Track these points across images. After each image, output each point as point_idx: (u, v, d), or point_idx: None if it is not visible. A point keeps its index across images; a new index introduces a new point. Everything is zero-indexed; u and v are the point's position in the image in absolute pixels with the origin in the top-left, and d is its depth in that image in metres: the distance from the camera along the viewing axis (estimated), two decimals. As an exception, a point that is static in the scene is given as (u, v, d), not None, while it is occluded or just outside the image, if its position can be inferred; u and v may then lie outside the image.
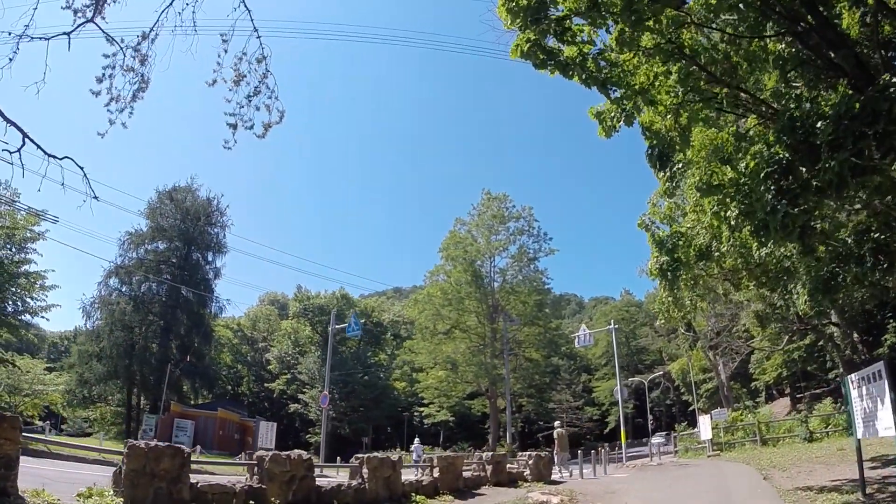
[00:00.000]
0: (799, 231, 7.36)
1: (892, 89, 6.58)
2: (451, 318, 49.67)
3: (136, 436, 40.22)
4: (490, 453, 19.50)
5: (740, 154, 9.10)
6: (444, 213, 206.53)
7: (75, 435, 56.09)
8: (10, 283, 31.04)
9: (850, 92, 7.05)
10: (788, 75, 10.03)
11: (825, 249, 10.30)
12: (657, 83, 9.21)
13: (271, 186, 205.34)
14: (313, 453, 48.16)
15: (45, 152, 8.11)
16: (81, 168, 8.40)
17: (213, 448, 41.63)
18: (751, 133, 9.91)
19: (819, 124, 6.74)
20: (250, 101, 8.48)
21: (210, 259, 59.34)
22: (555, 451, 22.31)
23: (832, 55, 8.78)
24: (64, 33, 7.87)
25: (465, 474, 16.19)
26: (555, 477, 20.11)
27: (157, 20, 7.99)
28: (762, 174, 7.47)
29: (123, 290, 54.07)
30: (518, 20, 8.14)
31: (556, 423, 25.09)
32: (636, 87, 9.14)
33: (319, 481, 11.37)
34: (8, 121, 7.80)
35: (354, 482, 11.77)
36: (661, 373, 65.83)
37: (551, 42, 8.79)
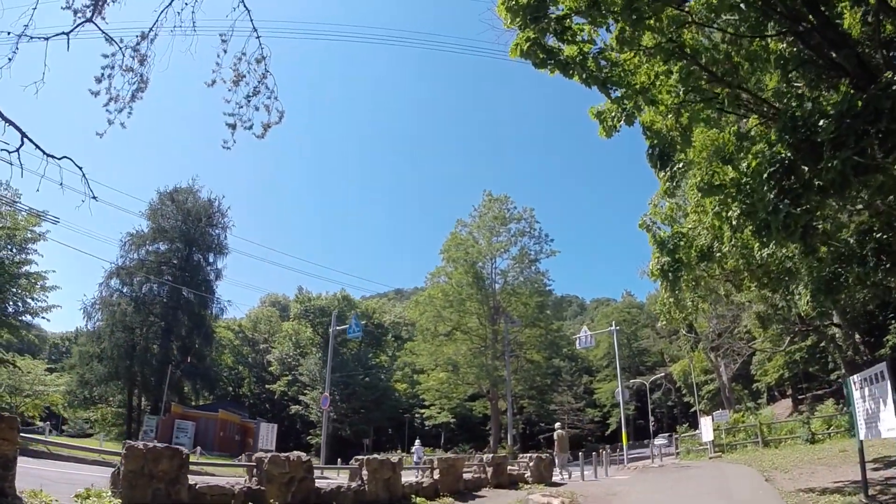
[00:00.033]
0: (801, 231, 7.31)
1: (894, 87, 6.54)
2: (453, 319, 49.60)
3: (137, 437, 40.22)
4: (490, 455, 19.45)
5: (742, 154, 9.06)
6: (445, 215, 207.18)
7: (76, 436, 56.06)
8: (11, 283, 31.02)
9: (852, 91, 7.01)
10: (790, 75, 10.00)
11: (827, 250, 10.26)
12: (658, 83, 9.18)
13: (272, 187, 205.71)
14: (314, 455, 48.26)
15: (44, 152, 8.09)
16: (80, 168, 8.38)
17: (213, 449, 41.57)
18: (752, 133, 9.86)
19: (821, 123, 6.69)
20: (249, 101, 8.46)
21: (211, 260, 59.37)
22: (555, 453, 22.23)
23: (833, 55, 8.74)
24: (63, 33, 7.85)
25: (466, 476, 16.14)
26: (555, 479, 20.06)
27: (157, 20, 7.97)
28: (764, 174, 7.42)
29: (124, 291, 54.09)
30: (518, 19, 8.10)
31: (557, 425, 25.02)
32: (637, 86, 9.11)
33: (319, 483, 11.34)
34: (7, 120, 7.77)
35: (354, 484, 11.74)
36: (663, 374, 65.75)
37: (551, 41, 8.76)
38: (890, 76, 6.68)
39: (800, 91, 8.68)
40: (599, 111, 10.24)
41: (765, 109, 9.96)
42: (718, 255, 11.88)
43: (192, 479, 8.75)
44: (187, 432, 42.59)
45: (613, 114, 9.97)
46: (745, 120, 11.45)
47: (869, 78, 8.00)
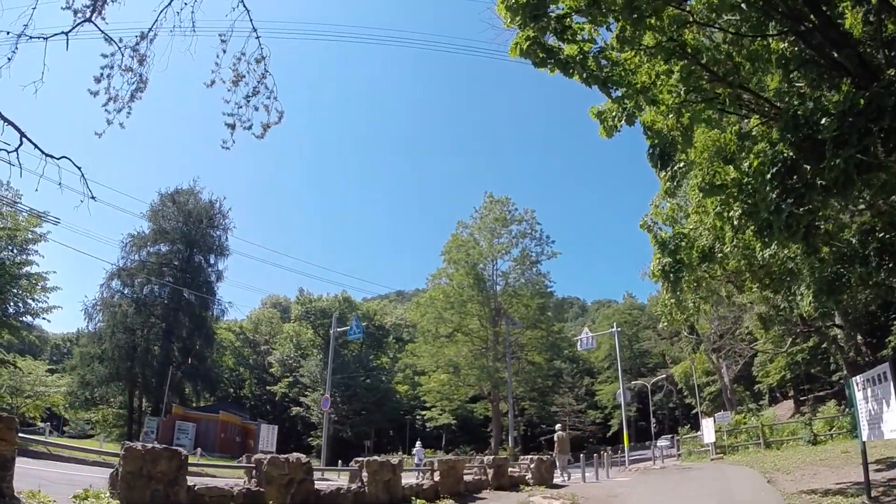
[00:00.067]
0: (803, 231, 7.27)
1: (898, 84, 6.51)
2: (454, 321, 49.58)
3: (138, 438, 40.22)
4: (491, 457, 19.39)
5: (743, 153, 9.02)
6: (446, 216, 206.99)
7: (77, 437, 56.13)
8: (12, 284, 31.05)
9: (855, 90, 6.97)
10: (791, 76, 9.96)
11: (829, 250, 10.21)
12: (659, 82, 9.14)
13: (272, 188, 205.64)
14: (315, 456, 48.23)
15: (43, 152, 8.08)
16: (79, 168, 8.36)
17: (214, 451, 41.57)
18: (754, 132, 9.82)
19: (823, 121, 6.65)
20: (249, 101, 8.44)
21: (212, 262, 59.47)
22: (555, 455, 22.15)
23: (835, 55, 8.70)
24: (62, 33, 7.84)
25: (466, 478, 16.08)
26: (556, 480, 20.00)
27: (156, 20, 7.96)
28: (766, 173, 7.38)
29: (125, 292, 54.14)
30: (517, 18, 8.06)
31: (557, 427, 24.95)
32: (637, 86, 9.07)
33: (319, 485, 11.31)
34: (6, 120, 7.76)
35: (354, 486, 11.70)
36: (664, 376, 65.66)
37: (551, 40, 8.72)
38: (893, 74, 6.65)
39: (801, 91, 8.64)
40: (600, 111, 10.21)
41: (766, 109, 9.93)
42: (720, 255, 11.85)
43: (191, 481, 8.72)
44: (188, 434, 42.62)
45: (614, 113, 9.93)
46: (746, 120, 11.41)
47: (870, 77, 7.96)
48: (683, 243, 12.49)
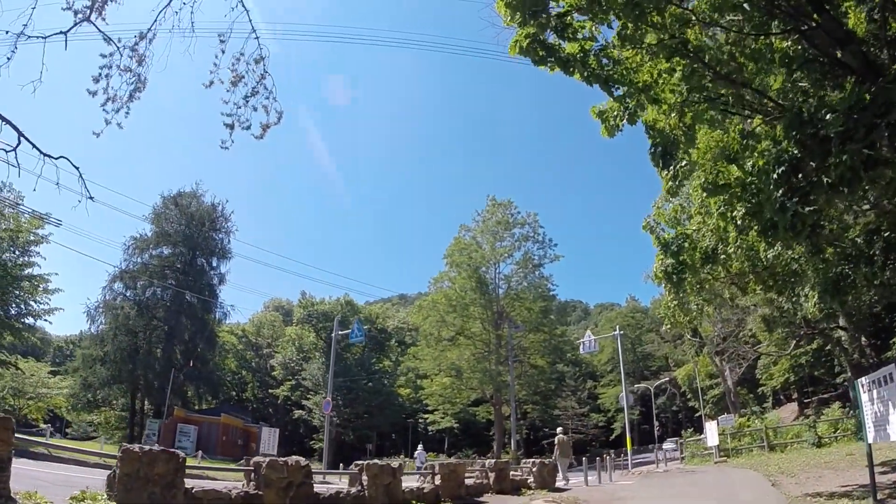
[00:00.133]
0: (808, 231, 7.18)
1: (904, 79, 6.43)
2: (456, 324, 49.49)
3: (139, 440, 40.19)
4: (493, 460, 19.29)
5: (747, 152, 8.94)
6: (449, 219, 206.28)
7: (80, 438, 56.25)
8: (14, 286, 31.09)
9: (858, 88, 6.89)
10: (794, 76, 9.88)
11: (833, 251, 10.13)
12: (660, 81, 9.06)
13: (274, 191, 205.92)
14: (317, 459, 48.17)
15: (41, 151, 8.06)
16: (77, 168, 8.35)
17: (216, 453, 41.56)
18: (757, 131, 9.73)
19: (828, 117, 6.57)
20: (247, 101, 8.43)
21: (214, 265, 59.55)
22: (555, 457, 22.03)
23: (838, 54, 8.63)
24: (60, 32, 7.81)
25: (468, 482, 15.97)
26: (559, 484, 19.89)
27: (155, 20, 7.93)
28: (771, 172, 7.29)
29: (128, 294, 54.24)
30: (517, 15, 7.99)
31: (559, 430, 24.85)
32: (639, 84, 9.00)
33: (319, 488, 11.23)
34: (4, 119, 7.74)
35: (354, 489, 11.62)
36: (667, 379, 65.45)
37: (551, 38, 8.65)
38: (899, 69, 6.57)
39: (805, 89, 8.56)
40: (601, 110, 10.13)
41: (770, 108, 9.84)
42: (723, 257, 11.77)
43: (189, 483, 8.65)
44: (190, 436, 42.60)
45: (616, 112, 9.85)
46: (749, 121, 11.34)
47: (875, 75, 7.88)
48: (686, 244, 12.40)
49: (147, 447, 7.97)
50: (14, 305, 32.20)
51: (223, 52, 8.13)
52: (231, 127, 8.44)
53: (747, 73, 10.14)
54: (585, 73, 8.74)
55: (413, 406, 71.04)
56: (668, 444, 48.02)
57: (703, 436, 36.69)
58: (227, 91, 8.34)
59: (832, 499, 10.81)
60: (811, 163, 6.98)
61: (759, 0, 8.75)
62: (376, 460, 13.68)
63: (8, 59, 7.56)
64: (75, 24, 7.89)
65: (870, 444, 9.60)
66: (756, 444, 29.43)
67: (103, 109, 8.25)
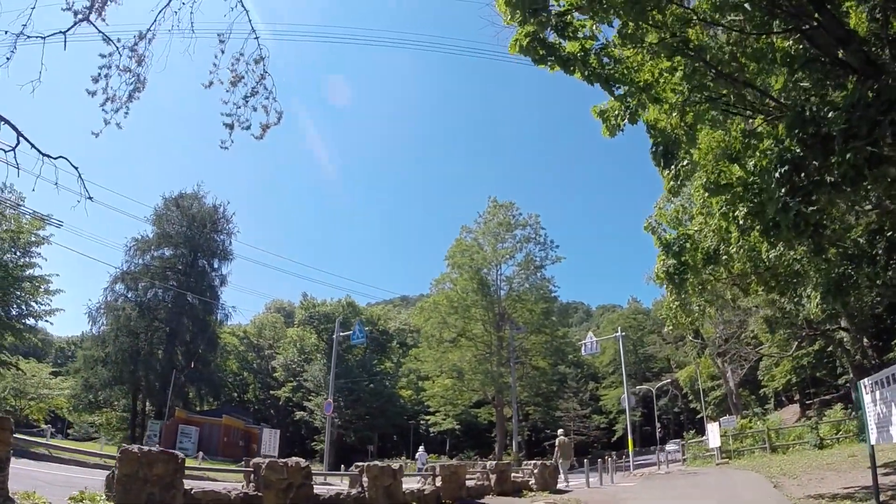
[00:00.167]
0: (811, 230, 7.14)
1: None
2: (458, 326, 49.45)
3: (141, 441, 40.19)
4: (494, 462, 19.25)
5: (749, 152, 8.90)
6: (451, 221, 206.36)
7: (81, 439, 56.25)
8: (15, 286, 31.11)
9: (861, 86, 6.85)
10: (796, 75, 9.84)
11: (836, 251, 10.09)
12: (662, 80, 9.02)
13: (275, 192, 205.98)
14: (318, 461, 48.12)
15: (40, 151, 8.05)
16: (76, 168, 8.34)
17: (217, 455, 41.53)
18: (759, 130, 9.69)
19: (831, 115, 6.53)
20: (247, 101, 8.42)
21: (216, 266, 59.59)
22: (556, 459, 21.96)
23: (840, 53, 8.60)
24: (60, 32, 7.80)
25: (469, 483, 15.93)
26: (560, 486, 19.84)
27: (155, 20, 7.92)
28: (773, 171, 7.25)
29: (129, 296, 54.28)
30: (517, 14, 7.96)
31: (560, 431, 24.79)
32: (640, 83, 8.96)
33: (319, 489, 11.20)
34: (3, 119, 7.73)
35: (354, 491, 11.59)
36: (669, 380, 65.39)
37: (552, 37, 8.61)
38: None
39: (807, 89, 8.52)
40: (602, 109, 10.09)
41: (771, 107, 9.80)
42: (725, 257, 11.73)
43: (188, 484, 8.63)
44: (191, 437, 42.60)
45: (617, 112, 9.81)
46: (750, 121, 11.30)
47: (876, 75, 7.84)
48: (688, 245, 12.37)
49: (146, 448, 7.94)
50: (15, 306, 32.20)
51: (223, 52, 8.13)
52: (231, 127, 8.44)
53: (749, 74, 10.11)
54: (586, 73, 8.70)
55: (414, 407, 70.97)
56: (670, 446, 47.98)
57: (704, 437, 36.63)
58: (227, 91, 8.34)
59: (834, 500, 10.76)
60: (814, 162, 6.94)
61: (761, 0, 8.71)
62: (377, 462, 13.65)
63: (7, 59, 7.56)
64: (74, 24, 7.88)
65: (872, 446, 9.55)
66: (758, 445, 29.38)
67: (102, 109, 8.25)
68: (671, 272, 12.63)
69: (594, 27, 8.80)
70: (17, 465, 12.50)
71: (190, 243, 56.13)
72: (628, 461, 33.50)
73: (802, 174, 7.10)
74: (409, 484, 14.36)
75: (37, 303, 33.07)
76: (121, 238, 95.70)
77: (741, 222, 8.54)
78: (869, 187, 7.76)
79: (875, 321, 31.23)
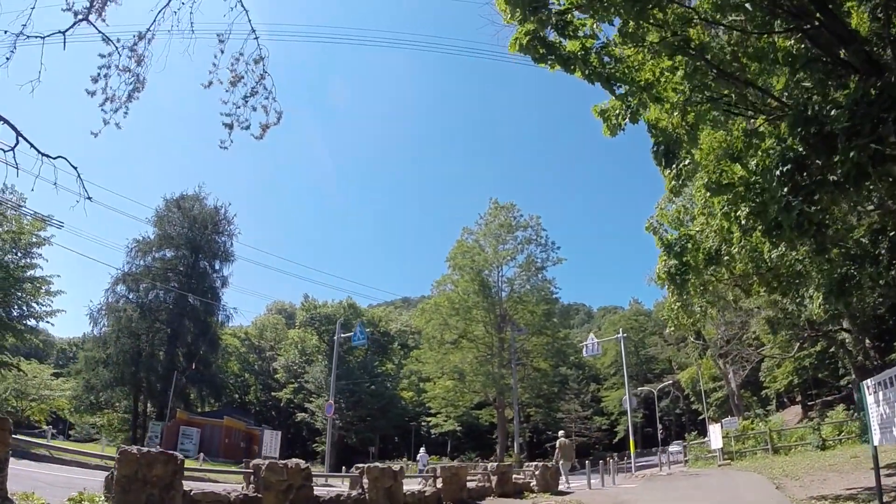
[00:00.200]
0: (814, 230, 7.10)
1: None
2: (459, 327, 49.45)
3: (142, 442, 40.22)
4: (495, 463, 19.20)
5: (751, 151, 8.86)
6: (452, 222, 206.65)
7: (83, 440, 56.29)
8: (16, 287, 31.11)
9: (864, 83, 6.81)
10: (798, 75, 9.81)
11: (838, 252, 10.05)
12: (663, 79, 8.98)
13: (277, 194, 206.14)
14: (320, 462, 48.07)
15: (39, 151, 8.04)
16: (75, 168, 8.33)
17: (218, 456, 41.54)
18: (761, 129, 9.65)
19: (833, 112, 6.48)
20: (247, 101, 8.41)
21: (217, 267, 59.69)
22: (557, 461, 21.90)
23: (841, 53, 8.56)
24: (59, 32, 7.79)
25: (470, 485, 15.89)
26: (561, 487, 19.79)
27: (154, 20, 7.91)
28: (774, 170, 7.21)
29: (131, 297, 54.36)
30: (517, 12, 7.93)
31: (561, 433, 24.73)
32: (641, 82, 8.92)
33: (320, 491, 11.16)
34: (2, 119, 7.71)
35: (354, 492, 11.54)
36: (671, 382, 65.29)
37: (552, 36, 8.57)
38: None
39: (809, 88, 8.49)
40: (603, 109, 10.04)
41: (773, 107, 9.77)
42: (727, 258, 11.68)
43: (188, 486, 8.60)
44: (192, 439, 42.60)
45: (618, 111, 9.77)
46: (752, 121, 11.26)
47: (878, 74, 7.80)
48: (690, 245, 12.32)
49: (145, 449, 7.92)
50: (16, 307, 32.19)
51: (222, 52, 8.12)
52: (230, 127, 8.43)
53: (750, 73, 10.08)
54: (587, 71, 8.66)
55: (416, 409, 70.90)
56: (673, 447, 47.92)
57: (706, 439, 36.56)
58: (227, 91, 8.32)
59: (837, 502, 10.72)
60: (816, 161, 6.89)
61: (762, 0, 8.68)
62: (377, 463, 13.61)
63: (7, 59, 7.55)
64: (74, 24, 7.87)
65: (875, 447, 9.49)
66: (760, 446, 29.34)
67: (102, 109, 8.24)
68: (673, 273, 12.58)
69: (595, 26, 8.75)
70: (17, 466, 12.49)
71: (191, 245, 56.20)
72: (630, 462, 33.45)
73: (805, 173, 7.06)
74: (410, 485, 14.31)
75: (38, 304, 33.07)
76: (121, 239, 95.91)
77: (743, 222, 8.50)
78: (871, 187, 7.72)
79: (877, 322, 31.17)
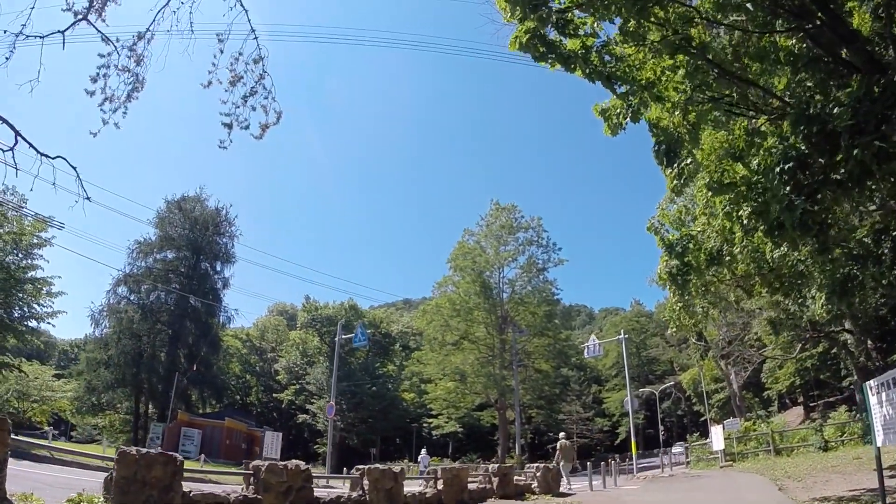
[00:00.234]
0: (817, 229, 7.05)
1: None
2: (460, 329, 49.38)
3: (144, 444, 40.23)
4: (496, 465, 19.14)
5: (753, 150, 8.81)
6: (454, 223, 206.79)
7: (85, 442, 56.35)
8: (17, 288, 31.11)
9: (867, 80, 6.76)
10: (799, 75, 9.77)
11: (840, 252, 10.00)
12: (664, 78, 8.94)
13: (278, 195, 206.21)
14: (321, 464, 48.03)
15: (38, 151, 8.02)
16: (74, 168, 8.31)
17: (220, 457, 41.53)
18: (763, 128, 9.61)
19: (836, 110, 6.43)
20: (246, 101, 8.40)
21: (218, 269, 59.75)
22: (557, 463, 21.83)
23: (843, 52, 8.52)
24: (58, 32, 7.78)
25: (471, 486, 15.83)
26: (563, 489, 19.73)
27: (153, 20, 7.89)
28: (777, 169, 7.16)
29: (132, 298, 54.39)
30: (517, 10, 7.89)
31: (561, 435, 24.68)
32: (642, 81, 8.87)
33: (320, 492, 11.12)
34: (1, 119, 7.70)
35: (355, 494, 11.50)
36: (672, 383, 65.22)
37: (552, 34, 8.53)
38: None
39: (811, 87, 8.44)
40: (604, 108, 10.00)
41: (775, 106, 9.72)
42: (728, 258, 11.64)
43: (189, 487, 8.57)
44: (193, 440, 42.60)
45: (619, 110, 9.72)
46: (754, 121, 11.22)
47: (881, 73, 7.76)
48: (691, 245, 12.28)
49: (144, 450, 7.88)
50: (17, 308, 32.21)
51: (221, 52, 8.11)
52: (229, 126, 8.42)
53: (752, 74, 10.04)
54: (587, 70, 8.61)
55: (417, 410, 70.83)
56: (677, 448, 47.86)
57: (708, 440, 36.50)
58: (226, 91, 8.31)
59: (840, 503, 10.65)
60: (819, 159, 6.85)
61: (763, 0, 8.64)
62: (378, 465, 13.56)
63: (6, 58, 7.54)
64: (73, 24, 7.86)
65: (878, 448, 9.44)
66: (762, 448, 29.28)
67: (101, 109, 8.22)
68: (674, 273, 12.53)
69: (595, 24, 8.71)
70: (18, 467, 12.48)
71: (192, 246, 56.23)
72: (631, 464, 33.39)
73: (807, 172, 7.01)
74: (411, 487, 14.27)
75: (39, 305, 33.07)
76: (121, 240, 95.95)
77: (745, 222, 8.45)
78: (873, 187, 7.68)
79: (879, 323, 31.07)
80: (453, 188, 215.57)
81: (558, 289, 52.59)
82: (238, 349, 78.21)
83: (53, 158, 8.03)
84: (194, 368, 52.36)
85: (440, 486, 14.31)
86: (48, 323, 34.74)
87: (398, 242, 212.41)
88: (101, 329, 53.44)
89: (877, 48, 9.29)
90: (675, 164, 10.12)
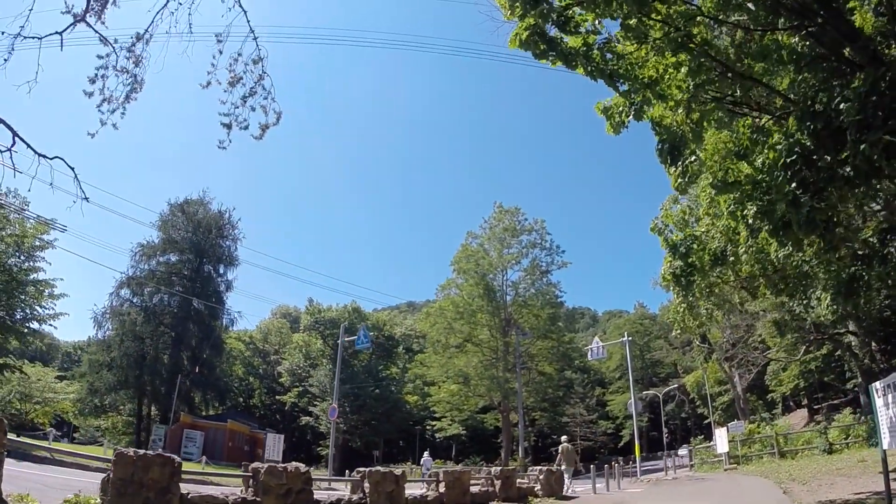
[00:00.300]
0: (823, 227, 6.96)
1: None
2: (464, 331, 49.28)
3: (146, 446, 40.21)
4: (499, 468, 19.06)
5: (757, 148, 8.72)
6: (457, 226, 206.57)
7: (87, 443, 56.41)
8: (19, 290, 31.15)
9: (873, 75, 6.67)
10: (802, 74, 9.69)
11: (846, 251, 9.91)
12: (667, 76, 8.86)
13: (280, 197, 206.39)
14: (324, 466, 47.91)
15: (36, 152, 8.00)
16: (72, 168, 8.28)
17: (222, 460, 41.41)
18: (767, 126, 9.51)
19: (842, 106, 6.34)
20: (245, 101, 8.38)
21: (222, 271, 59.70)
22: (559, 466, 21.69)
23: (846, 51, 8.45)
24: (56, 33, 7.75)
25: (473, 489, 15.75)
26: (566, 492, 19.63)
27: (152, 21, 7.86)
28: (782, 166, 7.07)
29: (135, 300, 54.36)
30: (517, 8, 7.83)
31: (564, 438, 24.55)
32: (644, 79, 8.79)
33: (320, 495, 11.08)
34: (-1, 119, 7.67)
35: (356, 496, 11.44)
36: (676, 385, 64.99)
37: (553, 32, 8.47)
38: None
39: (814, 84, 8.35)
40: (606, 106, 9.92)
41: (779, 105, 9.64)
42: (732, 259, 11.54)
43: (186, 489, 8.51)
44: (196, 442, 42.55)
45: (621, 108, 9.65)
46: (757, 120, 11.13)
47: (885, 69, 7.68)
48: (695, 246, 12.20)
49: (141, 451, 7.83)
50: (20, 310, 32.25)
51: (220, 52, 8.08)
52: (228, 127, 8.40)
53: (754, 74, 9.96)
54: (589, 68, 8.52)
55: (420, 413, 70.72)
56: (682, 451, 47.68)
57: (712, 443, 36.34)
58: (225, 91, 8.29)
59: (845, 506, 10.56)
60: (825, 156, 6.76)
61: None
62: (379, 467, 13.49)
63: (5, 60, 7.52)
64: (71, 25, 7.83)
65: (885, 451, 9.34)
66: (766, 450, 29.16)
67: (99, 110, 8.20)
68: (678, 274, 12.45)
69: (597, 22, 8.64)
70: (18, 468, 12.44)
71: (196, 249, 56.24)
72: (635, 467, 33.26)
73: (812, 169, 6.92)
74: (413, 490, 14.20)
75: (41, 307, 33.12)
76: (123, 242, 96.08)
77: (750, 221, 8.35)
78: (878, 186, 7.60)
79: (883, 325, 30.96)
80: (456, 190, 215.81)
81: (562, 291, 52.47)
82: (241, 351, 78.24)
83: (51, 159, 8.01)
84: (197, 371, 52.31)
85: (442, 488, 14.25)
86: (50, 325, 34.84)
87: (401, 245, 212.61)
88: (104, 331, 53.45)
89: (880, 46, 9.21)
90: (679, 163, 10.04)
